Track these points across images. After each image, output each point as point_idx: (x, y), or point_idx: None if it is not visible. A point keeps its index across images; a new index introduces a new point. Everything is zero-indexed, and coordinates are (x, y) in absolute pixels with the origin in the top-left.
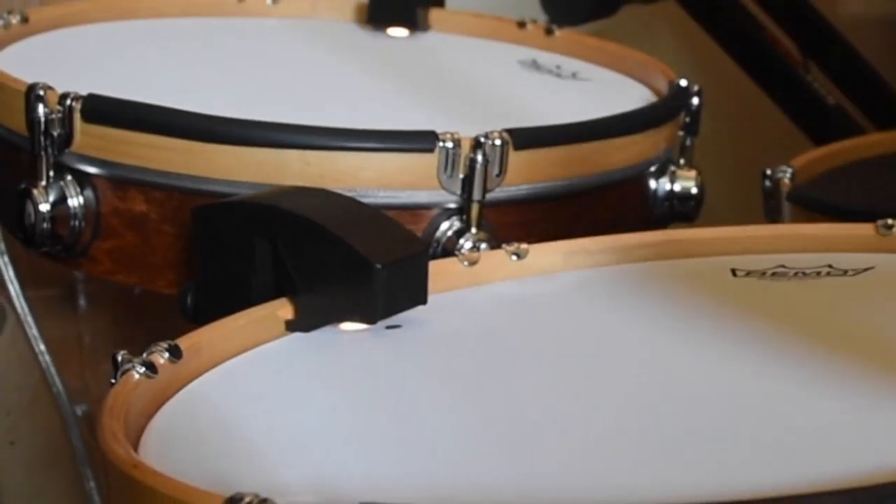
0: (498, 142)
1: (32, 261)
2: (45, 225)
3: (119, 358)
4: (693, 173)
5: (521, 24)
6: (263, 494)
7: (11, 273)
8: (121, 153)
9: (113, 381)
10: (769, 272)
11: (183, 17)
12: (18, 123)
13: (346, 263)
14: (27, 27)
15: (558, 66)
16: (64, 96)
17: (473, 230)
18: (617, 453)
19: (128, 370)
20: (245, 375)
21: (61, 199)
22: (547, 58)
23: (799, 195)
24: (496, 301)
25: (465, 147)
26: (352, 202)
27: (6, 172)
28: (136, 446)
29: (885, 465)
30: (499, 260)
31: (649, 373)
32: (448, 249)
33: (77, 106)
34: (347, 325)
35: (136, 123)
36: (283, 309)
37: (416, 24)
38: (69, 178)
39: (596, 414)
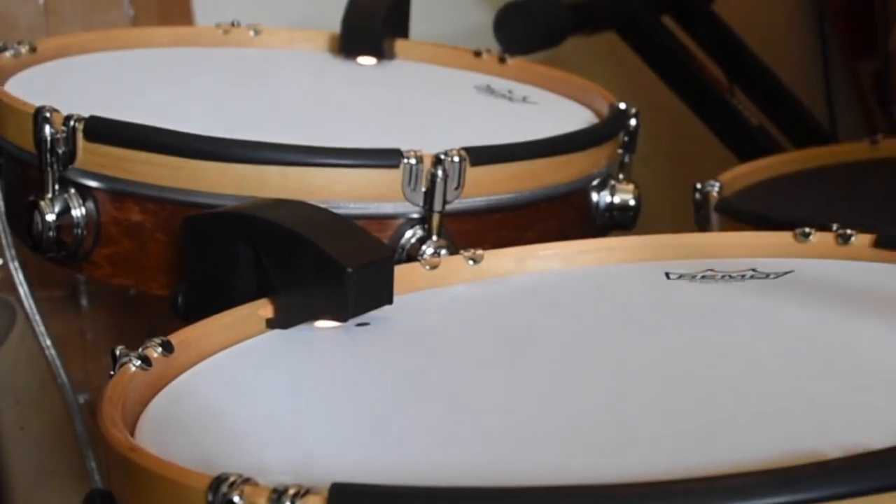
0: (456, 159)
1: (40, 265)
2: (51, 233)
3: (117, 352)
4: (631, 187)
5: (477, 53)
6: (246, 474)
7: (21, 276)
8: (119, 169)
9: (112, 372)
10: (699, 275)
11: (174, 48)
12: (27, 142)
13: (320, 267)
14: (35, 56)
15: (510, 91)
16: (68, 118)
17: (434, 238)
18: (557, 434)
19: (125, 363)
20: (230, 368)
21: (65, 210)
22: (500, 83)
23: (726, 206)
24: (454, 302)
25: (427, 163)
26: (325, 212)
27: (16, 186)
28: (132, 431)
29: (802, 447)
30: (457, 264)
31: (589, 364)
32: (411, 255)
33: (80, 126)
34: (321, 323)
35: (132, 142)
36: (263, 308)
37: (382, 53)
38: (72, 191)
39: (539, 400)
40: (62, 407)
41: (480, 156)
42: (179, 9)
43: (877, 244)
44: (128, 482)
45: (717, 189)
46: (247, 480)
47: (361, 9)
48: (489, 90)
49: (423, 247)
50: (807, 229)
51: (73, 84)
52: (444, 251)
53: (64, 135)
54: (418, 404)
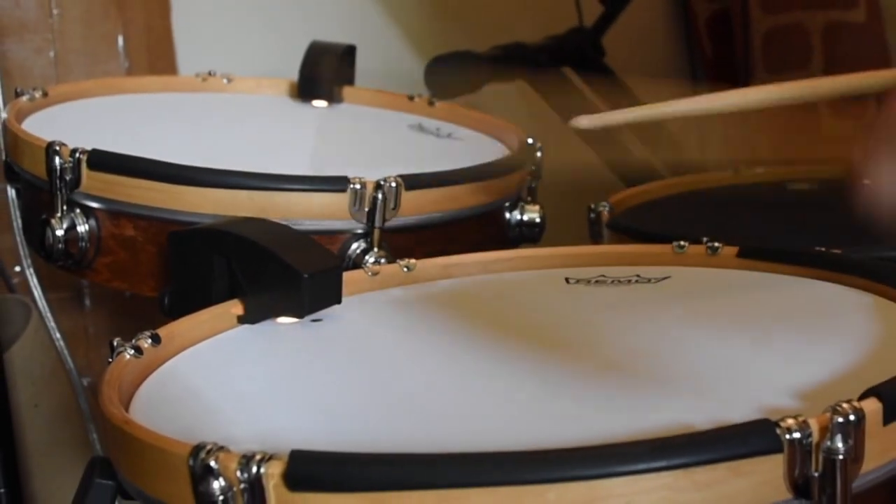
0: (394, 184)
1: (51, 271)
2: (60, 245)
3: (114, 343)
4: (537, 207)
5: (411, 98)
6: (220, 444)
7: (35, 281)
8: (116, 192)
9: (110, 360)
10: (593, 280)
11: (162, 93)
12: (40, 171)
13: (281, 273)
14: (47, 100)
15: (438, 129)
16: (74, 151)
17: (375, 249)
18: (478, 410)
19: (121, 352)
20: (207, 356)
21: (72, 227)
22: (429, 122)
23: (615, 223)
24: (392, 302)
25: (370, 188)
26: (285, 228)
27: (32, 207)
28: (126, 408)
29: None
30: (394, 271)
31: (500, 353)
32: (357, 264)
33: (84, 158)
34: (283, 319)
35: (127, 171)
36: (235, 307)
37: (332, 97)
38: (78, 211)
39: (461, 383)
40: (69, 388)
41: (413, 182)
42: (166, 61)
43: (740, 255)
44: (123, 450)
45: (607, 209)
46: (221, 448)
47: (315, 61)
48: (420, 128)
49: (366, 257)
50: (682, 242)
51: (78, 123)
52: (383, 260)
53: (70, 164)
54: (362, 386)
